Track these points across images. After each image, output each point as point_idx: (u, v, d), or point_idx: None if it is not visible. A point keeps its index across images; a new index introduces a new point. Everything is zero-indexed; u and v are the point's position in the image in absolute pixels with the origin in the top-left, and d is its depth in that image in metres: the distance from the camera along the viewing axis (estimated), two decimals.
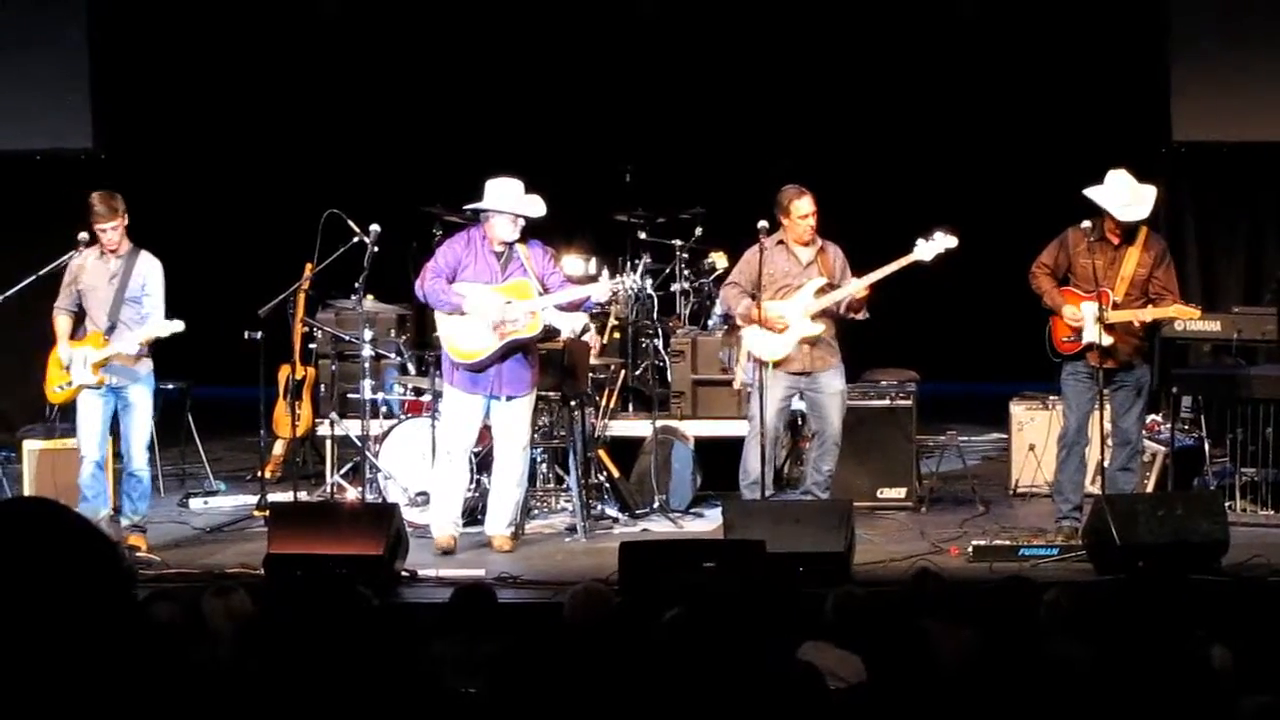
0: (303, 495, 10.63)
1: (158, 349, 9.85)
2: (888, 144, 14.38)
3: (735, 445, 10.37)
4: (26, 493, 10.40)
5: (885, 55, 14.37)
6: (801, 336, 9.96)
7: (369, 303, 10.94)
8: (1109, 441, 9.72)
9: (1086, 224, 9.64)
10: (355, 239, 10.31)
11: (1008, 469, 11.45)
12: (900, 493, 10.98)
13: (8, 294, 10.09)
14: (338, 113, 14.58)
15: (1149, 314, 9.63)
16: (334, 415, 11.01)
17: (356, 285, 10.45)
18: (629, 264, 11.92)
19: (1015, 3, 14.18)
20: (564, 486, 10.77)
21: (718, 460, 10.87)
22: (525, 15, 14.42)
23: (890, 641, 6.11)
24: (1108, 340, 9.59)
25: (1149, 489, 10.52)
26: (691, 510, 10.84)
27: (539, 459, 10.74)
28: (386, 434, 10.66)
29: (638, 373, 11.66)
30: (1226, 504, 9.74)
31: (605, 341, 11.48)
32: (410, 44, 14.47)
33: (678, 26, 14.26)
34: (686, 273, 12.12)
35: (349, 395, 11.13)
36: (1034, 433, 11.23)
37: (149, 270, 9.77)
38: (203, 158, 14.49)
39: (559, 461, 10.84)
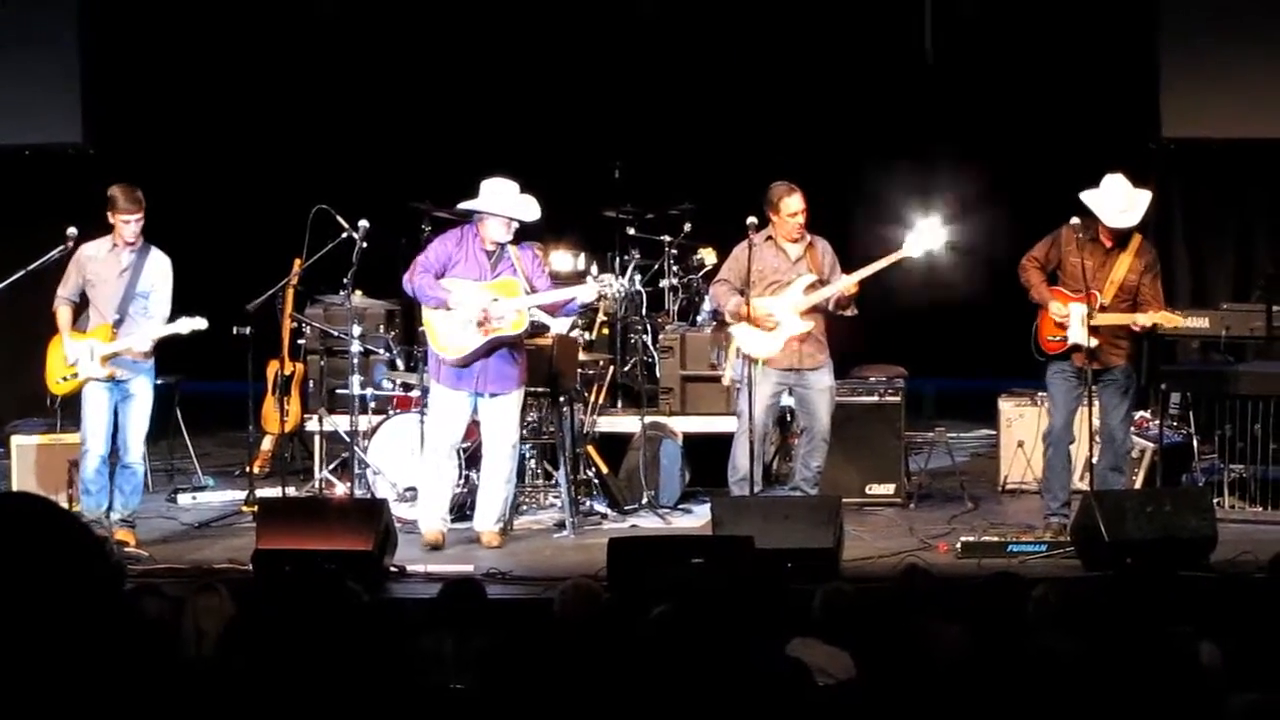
0: (291, 491, 10.64)
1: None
2: (876, 138, 14.36)
3: (724, 441, 10.38)
4: (14, 488, 10.40)
5: (876, 50, 14.35)
6: (791, 334, 9.97)
7: (358, 298, 10.93)
8: (1097, 439, 9.74)
9: (1076, 221, 9.66)
10: (344, 234, 10.31)
11: (996, 465, 11.47)
12: (889, 489, 10.99)
13: None
14: (326, 107, 14.54)
15: (1134, 320, 9.64)
16: (322, 411, 11.01)
17: (345, 281, 10.44)
18: (618, 261, 11.91)
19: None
20: (553, 482, 10.78)
21: (706, 456, 10.87)
22: (515, 8, 14.39)
23: (879, 638, 6.11)
24: (1093, 343, 9.61)
25: (1137, 485, 10.54)
26: (680, 506, 10.84)
27: (528, 455, 10.74)
28: (375, 429, 10.66)
29: (626, 369, 11.65)
30: (1215, 500, 9.75)
31: (594, 337, 11.48)
32: (400, 39, 14.43)
33: (668, 20, 14.23)
34: (675, 268, 12.10)
35: (337, 390, 11.13)
36: (1023, 429, 11.24)
37: (160, 267, 9.74)
38: (192, 153, 14.46)
39: (548, 457, 10.85)
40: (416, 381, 10.70)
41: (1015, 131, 14.11)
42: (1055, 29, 13.91)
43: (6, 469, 10.94)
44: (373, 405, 10.94)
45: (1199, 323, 11.80)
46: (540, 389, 10.37)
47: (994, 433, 11.69)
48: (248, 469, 11.11)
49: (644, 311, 11.90)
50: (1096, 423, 9.71)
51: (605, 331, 11.66)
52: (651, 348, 11.70)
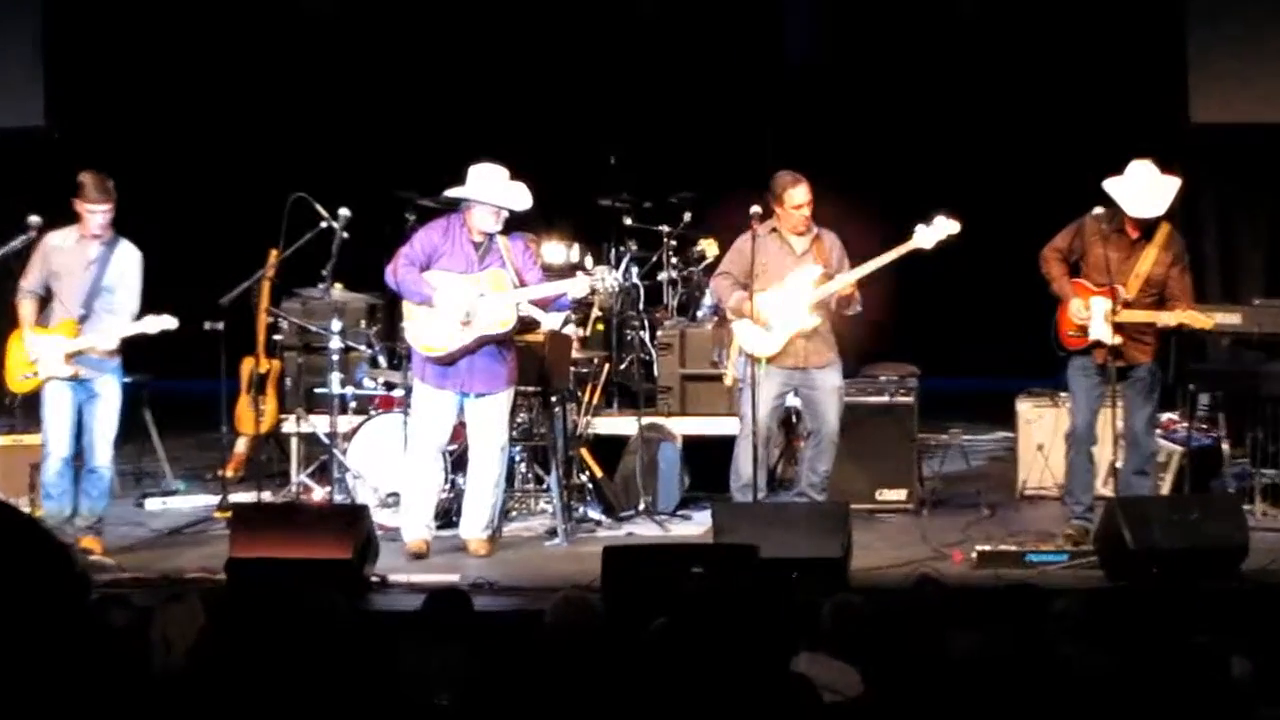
0: (267, 496, 10.65)
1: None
2: (892, 126, 14.38)
3: (726, 444, 10.38)
4: None
5: (893, 33, 14.37)
6: (797, 330, 9.97)
7: (337, 292, 10.93)
8: (1121, 441, 9.74)
9: (1100, 211, 9.66)
10: (323, 224, 10.31)
11: (1014, 469, 11.47)
12: (900, 494, 10.99)
13: None
14: (305, 91, 14.55)
15: (1159, 318, 9.63)
16: (300, 411, 11.00)
17: (324, 273, 10.45)
18: (614, 252, 11.91)
19: None
20: (544, 487, 10.77)
21: (707, 460, 10.87)
22: None
23: (889, 653, 6.11)
24: (1116, 339, 9.61)
25: (1164, 491, 10.53)
26: (679, 513, 10.84)
27: (517, 458, 10.74)
28: (356, 431, 10.65)
29: (622, 367, 11.65)
30: (1246, 507, 9.74)
31: (588, 334, 11.48)
32: (384, 17, 14.45)
33: (664, 6, 14.25)
34: (674, 261, 12.11)
35: (316, 390, 11.12)
36: (1042, 431, 11.25)
37: (128, 260, 9.71)
38: (161, 137, 14.46)
39: (539, 461, 10.84)
40: (400, 380, 10.69)
41: (1039, 118, 14.13)
42: (1080, 14, 13.92)
43: None
44: (353, 405, 10.95)
45: (1230, 319, 11.77)
46: (531, 388, 10.36)
47: (1011, 435, 11.69)
48: (220, 473, 11.11)
49: (641, 306, 11.90)
50: (1120, 424, 9.70)
51: (600, 327, 11.65)
52: (649, 345, 11.70)
